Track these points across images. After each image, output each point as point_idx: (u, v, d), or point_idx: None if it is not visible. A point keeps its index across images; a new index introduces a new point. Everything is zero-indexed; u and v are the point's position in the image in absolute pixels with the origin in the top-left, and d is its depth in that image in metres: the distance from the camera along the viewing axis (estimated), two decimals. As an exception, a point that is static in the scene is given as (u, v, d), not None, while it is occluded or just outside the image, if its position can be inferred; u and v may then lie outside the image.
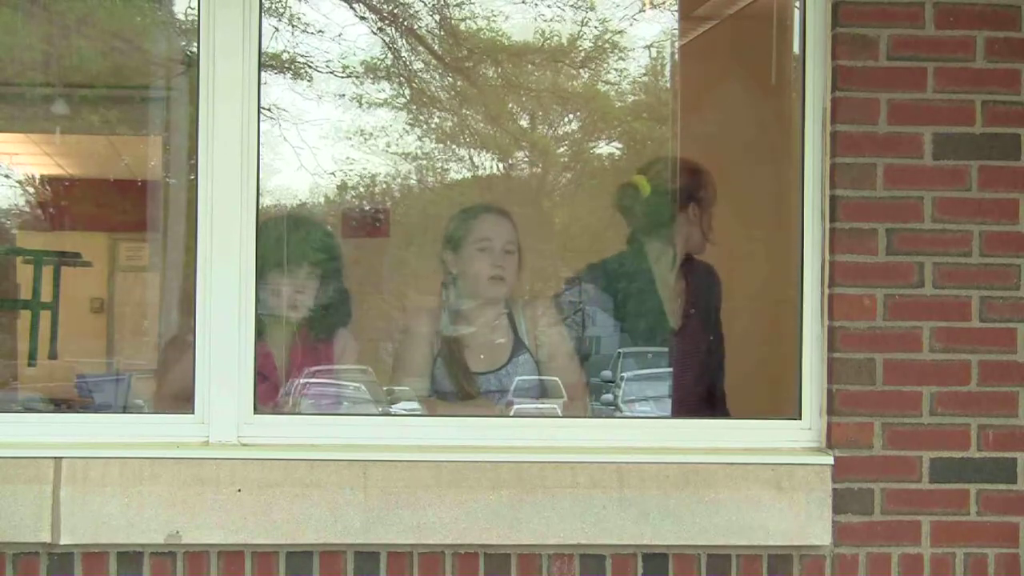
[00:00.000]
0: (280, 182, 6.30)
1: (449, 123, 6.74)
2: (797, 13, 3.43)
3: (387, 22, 6.29)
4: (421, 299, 4.09)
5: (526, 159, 7.50)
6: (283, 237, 3.88)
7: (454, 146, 6.91)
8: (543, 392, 3.94)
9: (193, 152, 3.27)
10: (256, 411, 3.23)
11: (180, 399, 3.38)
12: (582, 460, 3.19)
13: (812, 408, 3.28)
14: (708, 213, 4.05)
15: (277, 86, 5.99)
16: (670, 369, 4.20)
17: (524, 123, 7.37)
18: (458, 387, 3.82)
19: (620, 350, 4.61)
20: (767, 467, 3.20)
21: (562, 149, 7.66)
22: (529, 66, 6.84)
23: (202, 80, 3.22)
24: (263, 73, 3.29)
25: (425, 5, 6.26)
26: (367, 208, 6.81)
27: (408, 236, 5.97)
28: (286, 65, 6.14)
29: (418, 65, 6.39)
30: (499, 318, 3.93)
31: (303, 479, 3.12)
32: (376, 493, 3.12)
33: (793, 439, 3.29)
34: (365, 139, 6.64)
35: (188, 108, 4.67)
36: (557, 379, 4.23)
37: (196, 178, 3.23)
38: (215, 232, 3.21)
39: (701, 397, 4.04)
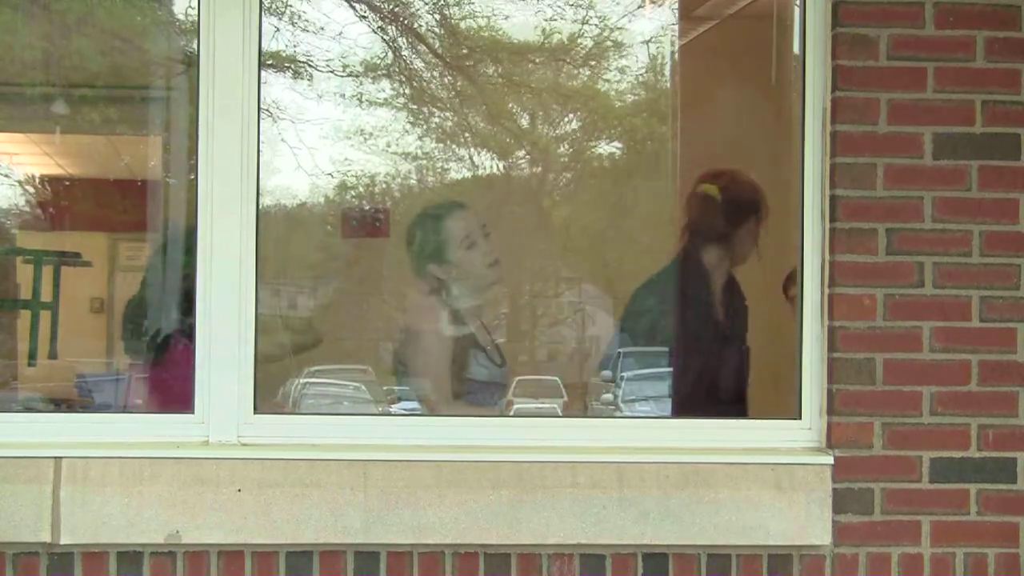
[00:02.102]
0: (280, 182, 6.31)
1: (449, 123, 6.73)
2: (797, 13, 3.43)
3: (387, 21, 6.29)
4: (424, 299, 4.06)
5: (526, 158, 7.50)
6: None
7: (454, 146, 6.91)
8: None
9: (193, 152, 3.27)
10: (256, 411, 3.23)
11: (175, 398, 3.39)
12: (582, 460, 3.19)
13: (812, 408, 3.28)
14: (762, 227, 4.04)
15: (277, 85, 6.00)
16: (670, 369, 4.20)
17: (524, 122, 7.37)
18: (497, 371, 3.86)
19: (620, 350, 4.60)
20: (767, 467, 3.20)
21: (562, 148, 7.66)
22: (529, 65, 6.84)
23: (202, 80, 3.22)
24: (263, 72, 3.29)
25: (425, 4, 6.26)
26: (367, 208, 6.82)
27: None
28: (286, 64, 6.14)
29: (418, 64, 6.39)
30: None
31: (303, 479, 3.12)
32: (376, 493, 3.12)
33: (793, 439, 3.29)
34: (365, 139, 6.64)
35: (188, 108, 4.67)
36: (557, 379, 4.23)
37: (196, 178, 3.23)
38: (215, 232, 3.21)
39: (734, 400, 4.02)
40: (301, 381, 4.13)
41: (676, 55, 5.70)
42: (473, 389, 3.83)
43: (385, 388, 3.96)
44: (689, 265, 4.08)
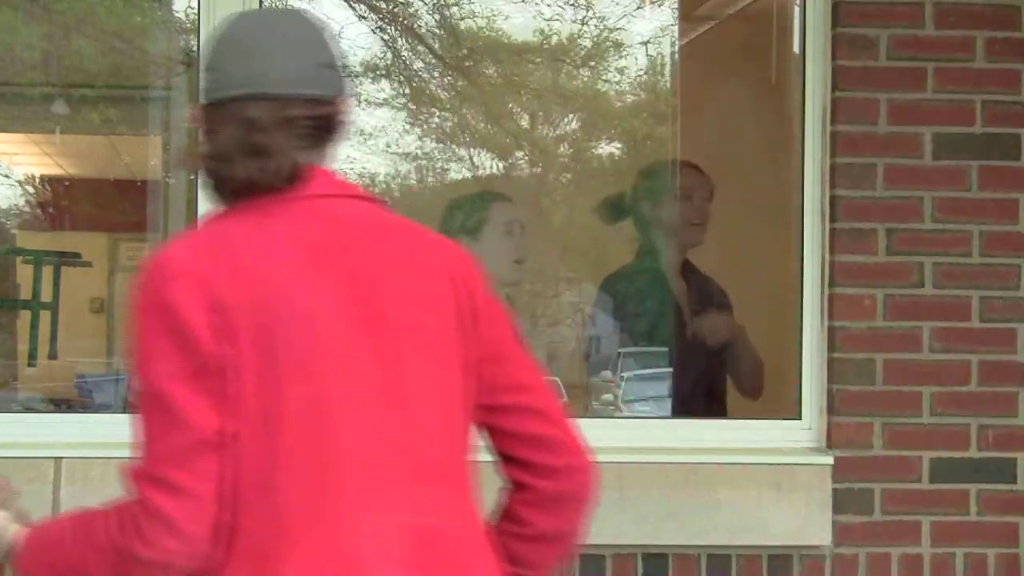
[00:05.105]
0: (280, 182, 6.29)
1: (449, 123, 6.74)
2: (797, 13, 3.43)
3: (387, 21, 6.30)
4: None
5: (526, 159, 7.50)
6: None
7: (454, 146, 6.92)
8: None
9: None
10: (256, 411, 3.22)
11: None
12: (582, 460, 3.18)
13: (812, 408, 3.27)
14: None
15: (277, 85, 5.98)
16: (669, 369, 4.19)
17: (524, 123, 7.38)
18: None
19: (620, 350, 4.60)
20: (767, 467, 3.19)
21: (562, 149, 7.67)
22: (529, 65, 6.84)
23: (202, 80, 3.21)
24: (263, 73, 3.28)
25: (425, 4, 6.27)
26: (367, 208, 6.80)
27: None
28: (286, 64, 6.13)
29: (418, 64, 6.40)
30: None
31: (303, 479, 3.11)
32: (376, 493, 3.12)
33: (793, 439, 3.28)
34: (365, 139, 6.64)
35: (188, 108, 4.67)
36: (557, 379, 4.21)
37: (196, 178, 3.23)
38: (215, 232, 3.20)
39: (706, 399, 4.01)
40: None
41: (676, 55, 5.70)
42: None
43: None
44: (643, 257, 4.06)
